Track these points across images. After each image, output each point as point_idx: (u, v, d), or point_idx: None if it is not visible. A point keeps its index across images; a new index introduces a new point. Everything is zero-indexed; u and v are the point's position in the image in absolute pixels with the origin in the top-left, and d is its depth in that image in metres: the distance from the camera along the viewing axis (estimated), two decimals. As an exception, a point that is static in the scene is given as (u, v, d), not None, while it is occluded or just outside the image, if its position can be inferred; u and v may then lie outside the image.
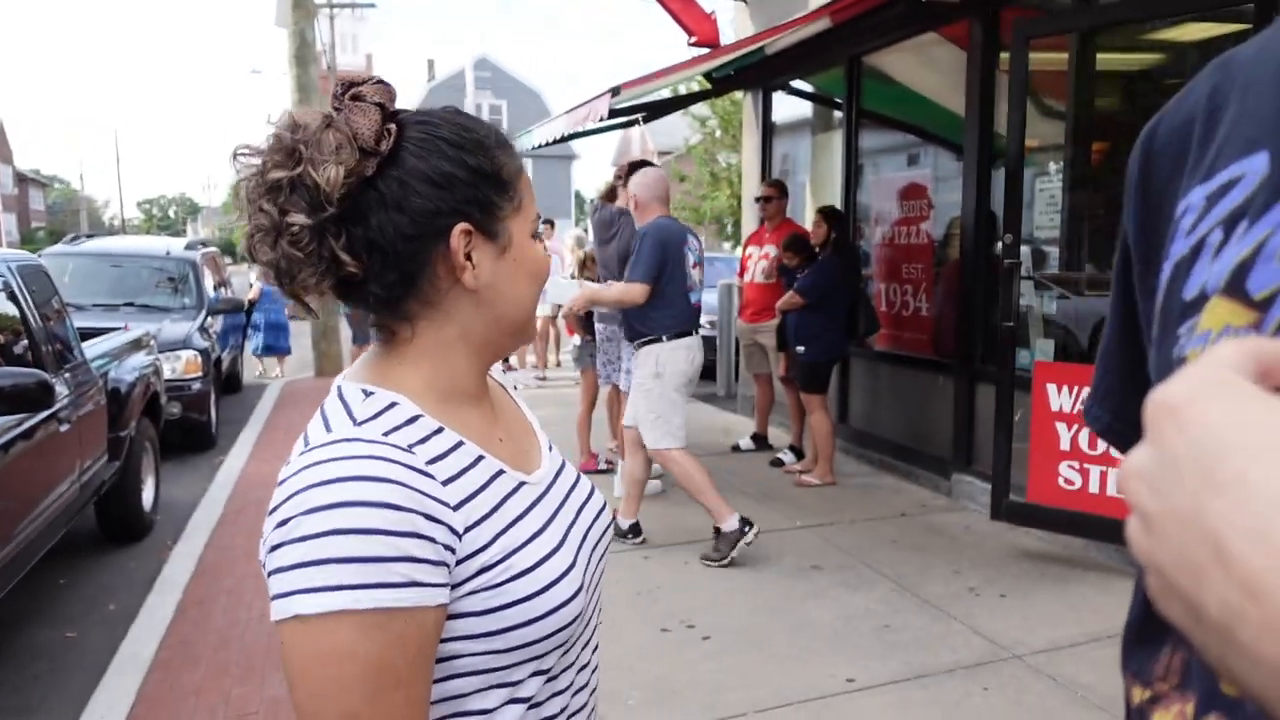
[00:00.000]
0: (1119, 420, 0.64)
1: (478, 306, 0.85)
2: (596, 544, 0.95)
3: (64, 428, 3.72)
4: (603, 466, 5.55)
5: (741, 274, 6.31)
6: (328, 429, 0.80)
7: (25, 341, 3.71)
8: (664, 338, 4.04)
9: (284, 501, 0.74)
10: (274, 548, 0.73)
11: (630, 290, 4.05)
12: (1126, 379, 0.62)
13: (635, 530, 4.29)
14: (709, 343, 9.22)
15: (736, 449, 6.21)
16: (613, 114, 5.94)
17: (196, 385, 6.67)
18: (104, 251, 8.07)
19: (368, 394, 0.82)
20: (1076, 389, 3.80)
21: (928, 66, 5.67)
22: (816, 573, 3.93)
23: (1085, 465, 3.82)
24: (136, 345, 5.20)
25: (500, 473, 0.85)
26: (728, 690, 2.93)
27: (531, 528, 0.85)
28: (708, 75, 7.25)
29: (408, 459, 0.76)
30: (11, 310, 3.67)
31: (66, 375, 3.96)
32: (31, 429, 3.38)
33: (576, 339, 6.34)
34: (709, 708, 2.82)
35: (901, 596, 3.67)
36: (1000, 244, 4.16)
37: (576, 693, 0.90)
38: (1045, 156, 4.61)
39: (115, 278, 7.57)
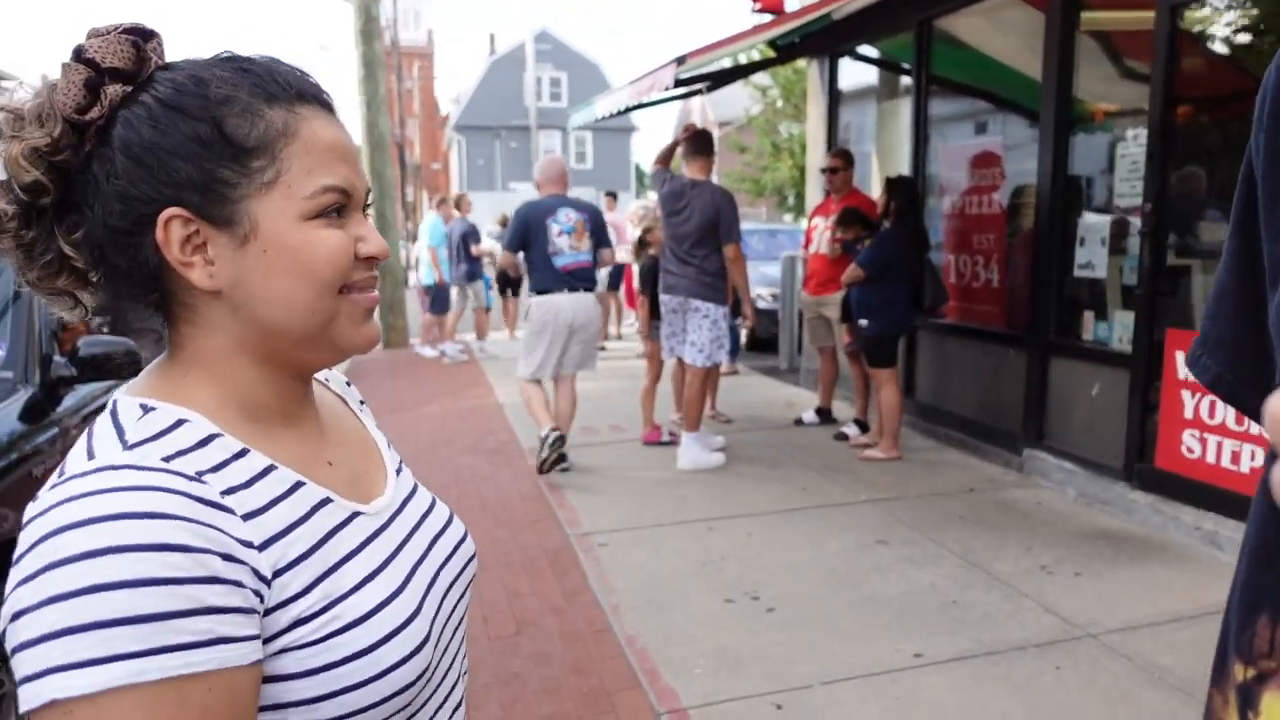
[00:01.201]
0: (1231, 372, 0.58)
1: (234, 311, 0.69)
2: (452, 583, 0.80)
3: (149, 395, 3.88)
4: (666, 439, 5.56)
5: (806, 245, 6.22)
6: (90, 455, 0.64)
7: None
8: (533, 293, 4.97)
9: (26, 553, 0.58)
10: (16, 615, 0.56)
11: (501, 256, 5.54)
12: (1243, 328, 0.56)
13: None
14: (770, 315, 9.28)
15: (799, 423, 6.17)
16: (676, 84, 5.89)
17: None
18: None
19: (147, 410, 0.67)
20: None
21: (1002, 29, 5.47)
22: (882, 547, 3.89)
23: (1204, 435, 3.85)
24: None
25: (326, 501, 0.71)
26: (793, 661, 2.93)
27: (366, 568, 0.70)
28: (772, 43, 7.12)
29: (195, 489, 0.61)
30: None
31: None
32: (120, 396, 3.53)
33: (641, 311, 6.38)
34: (774, 678, 2.83)
35: (970, 573, 3.62)
36: (1142, 212, 4.14)
37: None
38: (1126, 121, 4.44)
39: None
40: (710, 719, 2.62)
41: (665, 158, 5.50)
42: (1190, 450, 3.91)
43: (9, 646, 0.57)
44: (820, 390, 6.26)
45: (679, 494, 4.66)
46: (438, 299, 9.75)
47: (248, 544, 0.62)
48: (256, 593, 0.62)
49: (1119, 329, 4.39)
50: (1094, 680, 2.79)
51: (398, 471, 0.83)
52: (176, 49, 0.72)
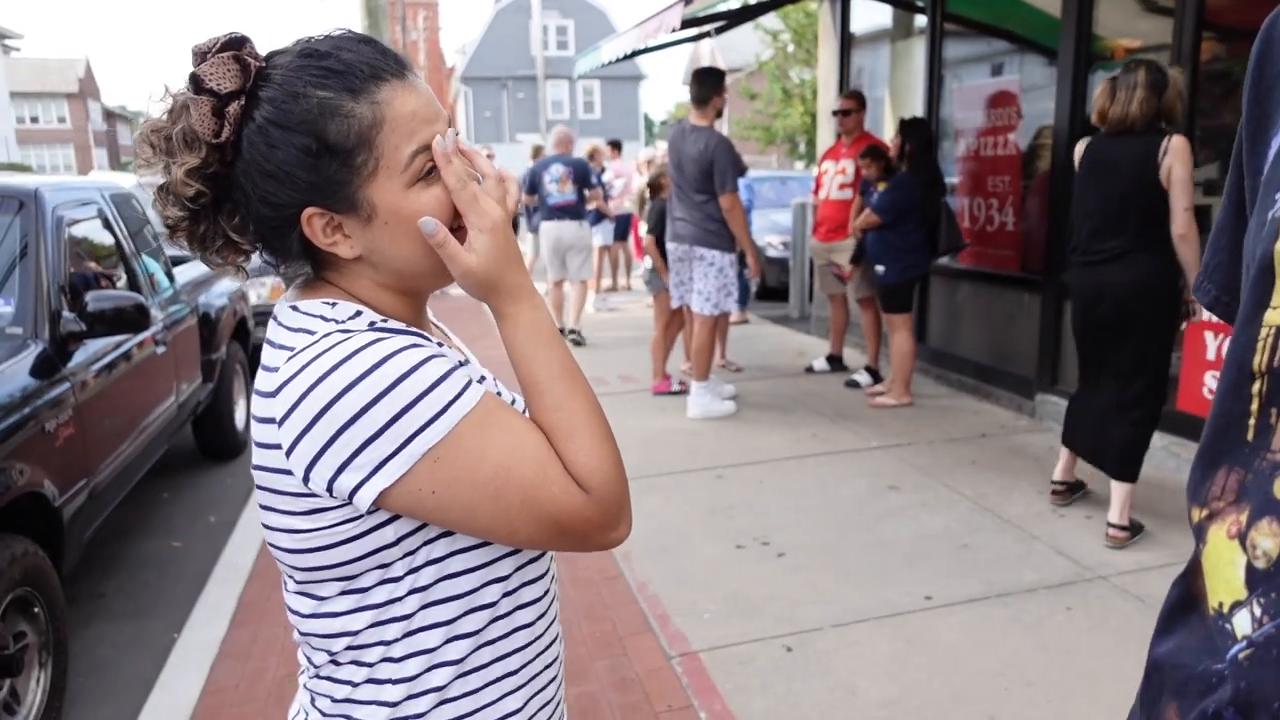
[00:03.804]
0: (1225, 293, 0.68)
1: (374, 267, 0.86)
2: None
3: (160, 350, 3.88)
4: (675, 388, 5.55)
5: (816, 191, 6.12)
6: (310, 332, 0.81)
7: (121, 267, 3.85)
8: (541, 223, 7.51)
9: (310, 391, 0.76)
10: (341, 429, 0.75)
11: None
12: (1234, 255, 0.66)
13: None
14: (781, 263, 9.21)
15: (810, 370, 6.14)
16: (684, 25, 5.75)
17: (280, 311, 6.86)
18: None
19: (331, 304, 0.85)
20: None
21: (1019, -37, 5.31)
22: (893, 493, 3.89)
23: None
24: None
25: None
26: (803, 605, 2.95)
27: None
28: (782, -18, 6.94)
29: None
30: (106, 238, 3.80)
31: (161, 299, 4.11)
32: (131, 351, 3.53)
33: (648, 261, 6.32)
34: (785, 621, 2.85)
35: (981, 516, 3.62)
36: None
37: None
38: (1147, 57, 4.31)
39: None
40: (721, 661, 2.64)
41: None
42: (1211, 392, 3.87)
43: (343, 453, 0.75)
44: (831, 338, 6.22)
45: (689, 442, 4.66)
46: None
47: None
48: None
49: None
50: (1105, 621, 2.80)
51: (481, 379, 1.03)
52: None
